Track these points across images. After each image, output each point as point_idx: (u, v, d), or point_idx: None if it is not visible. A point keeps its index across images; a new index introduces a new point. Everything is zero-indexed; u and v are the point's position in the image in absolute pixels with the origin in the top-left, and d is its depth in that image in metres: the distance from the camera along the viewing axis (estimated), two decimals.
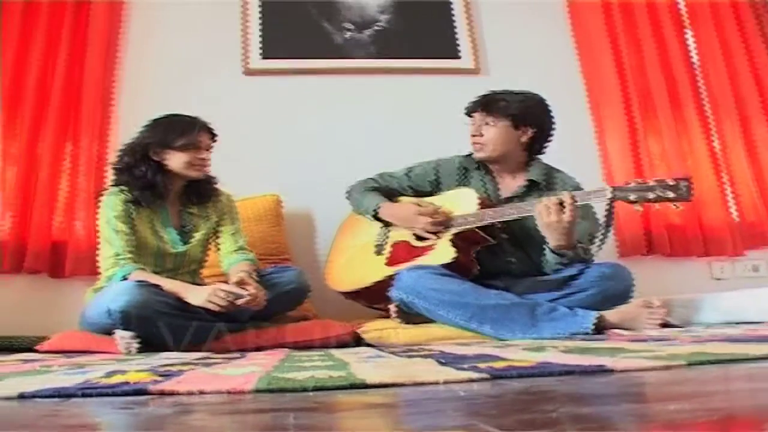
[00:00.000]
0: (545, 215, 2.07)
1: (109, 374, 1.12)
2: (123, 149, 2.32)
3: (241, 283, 2.11)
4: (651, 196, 1.99)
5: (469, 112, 2.48)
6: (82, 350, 2.06)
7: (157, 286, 2.04)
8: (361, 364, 1.24)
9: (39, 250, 2.80)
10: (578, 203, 2.08)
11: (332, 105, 3.31)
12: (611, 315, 2.06)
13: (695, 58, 3.55)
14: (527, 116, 2.42)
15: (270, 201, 2.97)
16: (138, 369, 1.22)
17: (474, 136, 2.44)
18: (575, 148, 3.20)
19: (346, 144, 3.21)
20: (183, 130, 2.26)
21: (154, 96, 3.09)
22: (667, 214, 3.22)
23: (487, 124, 2.42)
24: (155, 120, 2.32)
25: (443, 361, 1.23)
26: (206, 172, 2.35)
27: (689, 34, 3.59)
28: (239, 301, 2.05)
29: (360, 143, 3.20)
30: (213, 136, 2.35)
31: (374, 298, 2.49)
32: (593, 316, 2.02)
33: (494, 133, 2.41)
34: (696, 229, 3.22)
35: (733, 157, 3.37)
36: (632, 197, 2.02)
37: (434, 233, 2.36)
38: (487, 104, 2.43)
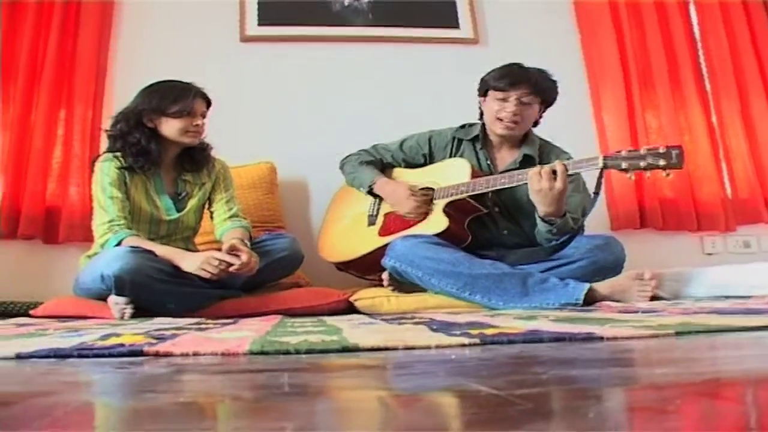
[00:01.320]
0: (536, 182, 2.05)
1: (105, 337, 1.13)
2: (117, 116, 2.29)
3: (233, 250, 2.10)
4: (642, 164, 1.96)
5: (507, 87, 2.32)
6: (76, 315, 2.07)
7: (150, 252, 2.04)
8: (354, 330, 1.25)
9: (33, 216, 2.80)
10: (571, 172, 2.07)
11: (329, 73, 3.28)
12: (602, 287, 2.08)
13: (697, 34, 3.52)
14: (550, 96, 2.41)
15: (264, 169, 2.96)
16: (133, 332, 1.24)
17: (515, 114, 2.32)
18: (572, 122, 3.20)
19: (342, 112, 3.19)
20: (177, 96, 2.23)
21: (149, 62, 3.06)
22: (661, 187, 3.23)
23: (524, 103, 2.32)
24: (150, 86, 2.28)
25: (435, 327, 1.24)
26: (201, 139, 2.33)
27: (692, 9, 3.55)
28: (231, 268, 2.05)
29: (356, 112, 3.18)
30: (208, 102, 2.33)
31: (366, 268, 2.50)
32: (584, 287, 2.04)
33: (530, 113, 2.37)
34: (689, 204, 3.22)
35: (731, 133, 3.36)
36: (624, 165, 1.99)
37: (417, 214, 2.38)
38: (536, 84, 2.33)
